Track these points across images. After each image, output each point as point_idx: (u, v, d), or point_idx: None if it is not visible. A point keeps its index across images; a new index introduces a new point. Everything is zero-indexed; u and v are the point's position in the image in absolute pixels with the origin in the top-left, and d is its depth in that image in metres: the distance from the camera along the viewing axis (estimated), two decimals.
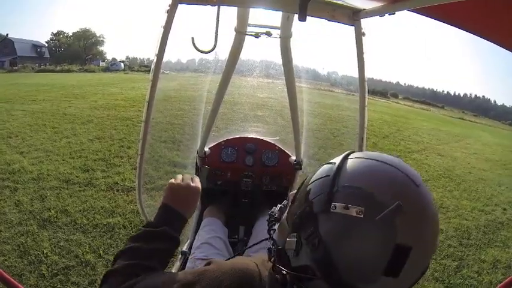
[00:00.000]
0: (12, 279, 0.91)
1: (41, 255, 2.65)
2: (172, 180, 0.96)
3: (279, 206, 0.83)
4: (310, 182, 0.64)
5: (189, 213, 0.94)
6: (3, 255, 2.62)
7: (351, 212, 0.54)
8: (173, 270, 1.90)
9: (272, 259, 0.70)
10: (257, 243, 1.00)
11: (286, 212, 0.72)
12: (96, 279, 2.46)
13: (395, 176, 0.58)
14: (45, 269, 2.51)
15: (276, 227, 0.77)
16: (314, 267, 0.58)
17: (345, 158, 0.62)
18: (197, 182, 0.97)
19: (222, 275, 0.67)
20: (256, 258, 0.78)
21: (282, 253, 0.66)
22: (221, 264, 0.72)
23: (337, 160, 0.63)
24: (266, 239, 0.80)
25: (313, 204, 0.59)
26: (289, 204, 0.72)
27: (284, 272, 0.64)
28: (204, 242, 1.56)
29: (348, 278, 0.55)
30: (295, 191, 0.72)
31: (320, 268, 0.58)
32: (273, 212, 0.83)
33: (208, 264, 0.75)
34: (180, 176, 0.98)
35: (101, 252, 2.77)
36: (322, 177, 0.62)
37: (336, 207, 0.56)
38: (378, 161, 0.60)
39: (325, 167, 0.64)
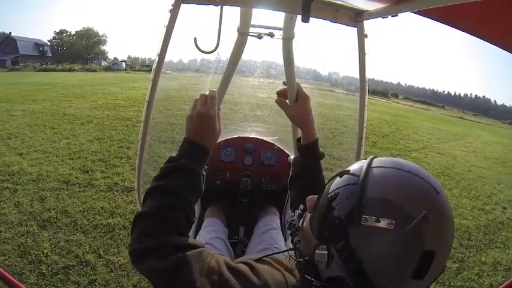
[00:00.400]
0: (12, 278, 0.91)
1: (41, 255, 2.65)
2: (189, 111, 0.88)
3: (297, 212, 0.82)
4: (331, 191, 0.65)
5: (209, 140, 0.85)
6: (4, 255, 2.62)
7: (381, 224, 0.57)
8: None
9: (301, 270, 0.72)
10: (280, 252, 0.95)
11: (307, 220, 0.72)
12: (96, 279, 2.46)
13: (419, 185, 0.60)
14: (45, 269, 2.51)
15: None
16: (347, 277, 0.62)
17: (369, 167, 0.63)
18: (208, 105, 0.86)
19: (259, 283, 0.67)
20: (281, 265, 0.78)
21: (311, 264, 0.68)
22: (259, 272, 0.70)
23: (356, 168, 0.65)
24: (288, 250, 0.83)
25: (342, 217, 0.61)
26: (310, 212, 0.73)
27: (318, 284, 0.66)
28: (205, 243, 1.56)
29: (379, 283, 0.59)
30: (312, 196, 0.74)
31: (353, 278, 0.61)
32: (293, 221, 0.82)
33: (247, 265, 0.73)
34: (193, 104, 0.88)
35: (101, 252, 2.76)
36: (345, 186, 0.64)
37: (366, 220, 0.58)
38: (402, 170, 0.61)
39: (346, 177, 0.65)
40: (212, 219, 1.78)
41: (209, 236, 1.61)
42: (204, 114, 0.85)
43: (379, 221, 0.57)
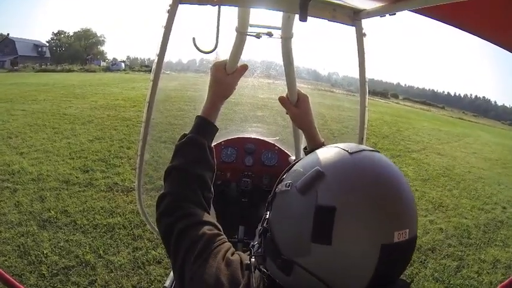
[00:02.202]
0: (12, 279, 0.91)
1: (41, 256, 2.65)
2: None
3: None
4: None
5: (215, 107, 0.95)
6: (4, 256, 2.62)
7: (281, 187, 0.58)
8: (168, 281, 1.89)
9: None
10: None
11: None
12: (96, 279, 2.46)
13: (327, 150, 0.58)
14: (45, 269, 2.51)
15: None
16: (264, 249, 0.61)
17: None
18: (215, 65, 0.98)
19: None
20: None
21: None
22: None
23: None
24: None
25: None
26: None
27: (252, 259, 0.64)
28: None
29: (287, 253, 0.55)
30: None
31: (267, 249, 0.60)
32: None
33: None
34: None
35: (101, 252, 2.77)
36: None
37: (277, 188, 0.59)
38: (333, 146, 0.60)
39: None
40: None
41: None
42: (212, 77, 0.97)
43: (281, 186, 0.58)
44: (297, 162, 0.63)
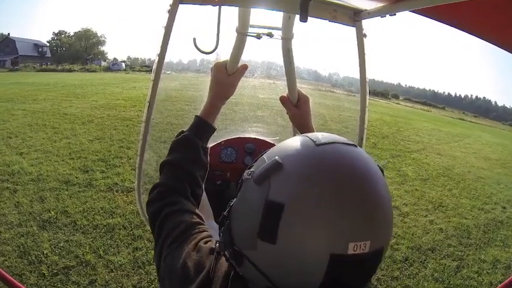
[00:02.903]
0: (12, 279, 0.91)
1: (41, 256, 2.65)
2: None
3: None
4: None
5: (215, 107, 0.96)
6: (4, 256, 2.62)
7: (245, 175, 0.55)
8: None
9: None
10: None
11: None
12: (96, 279, 2.46)
13: (296, 139, 0.54)
14: (45, 269, 2.51)
15: None
16: (223, 237, 0.59)
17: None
18: (216, 65, 0.98)
19: None
20: None
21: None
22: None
23: None
24: None
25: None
26: None
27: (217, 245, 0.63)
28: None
29: (238, 244, 0.53)
30: None
31: (224, 237, 0.58)
32: None
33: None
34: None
35: (101, 252, 2.77)
36: None
37: (243, 175, 0.56)
38: (301, 136, 0.56)
39: None
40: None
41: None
42: (212, 77, 0.98)
43: (246, 174, 0.55)
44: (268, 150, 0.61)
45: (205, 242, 0.67)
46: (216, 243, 0.61)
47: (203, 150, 0.89)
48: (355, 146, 0.52)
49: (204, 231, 0.71)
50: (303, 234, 0.45)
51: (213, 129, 0.94)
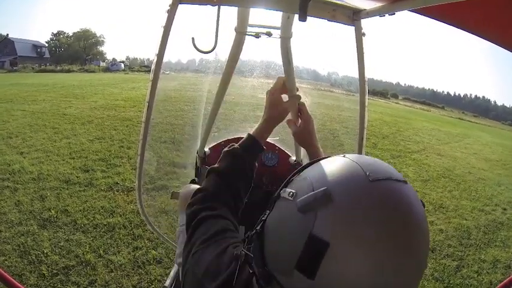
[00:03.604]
0: (12, 279, 0.91)
1: (41, 255, 2.65)
2: None
3: None
4: None
5: (266, 129, 1.00)
6: (4, 255, 2.62)
7: (285, 194, 0.53)
8: (172, 272, 1.89)
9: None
10: None
11: None
12: (96, 279, 2.46)
13: (346, 167, 0.50)
14: (45, 269, 2.51)
15: None
16: (252, 252, 0.58)
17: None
18: (271, 90, 1.03)
19: None
20: None
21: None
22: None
23: None
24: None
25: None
26: None
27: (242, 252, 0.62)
28: None
29: (271, 266, 0.53)
30: None
31: (254, 253, 0.57)
32: None
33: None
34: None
35: (101, 252, 2.77)
36: None
37: (283, 191, 0.55)
38: (346, 157, 0.53)
39: None
40: None
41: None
42: (268, 99, 1.03)
43: (285, 191, 0.53)
44: (310, 164, 0.58)
45: (234, 247, 0.67)
46: (241, 250, 0.60)
47: (250, 166, 0.93)
48: (406, 182, 0.50)
49: (235, 238, 0.71)
50: (345, 274, 0.44)
51: (262, 150, 0.98)
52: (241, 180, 0.90)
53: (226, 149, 0.94)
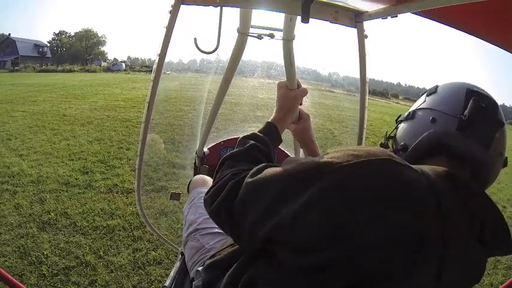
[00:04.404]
0: (13, 279, 0.91)
1: (41, 256, 2.65)
2: None
3: None
4: None
5: (281, 117, 0.98)
6: (4, 256, 2.62)
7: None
8: (172, 272, 1.89)
9: None
10: None
11: None
12: (97, 280, 2.45)
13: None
14: (45, 270, 2.50)
15: None
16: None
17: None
18: (278, 84, 1.03)
19: None
20: None
21: None
22: None
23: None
24: None
25: None
26: None
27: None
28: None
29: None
30: None
31: None
32: None
33: None
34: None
35: (101, 253, 2.76)
36: None
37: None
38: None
39: None
40: (202, 189, 1.77)
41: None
42: (278, 92, 1.02)
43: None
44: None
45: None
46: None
47: (272, 149, 0.87)
48: None
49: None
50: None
51: (281, 141, 0.94)
52: (264, 155, 0.83)
53: (242, 136, 0.89)
